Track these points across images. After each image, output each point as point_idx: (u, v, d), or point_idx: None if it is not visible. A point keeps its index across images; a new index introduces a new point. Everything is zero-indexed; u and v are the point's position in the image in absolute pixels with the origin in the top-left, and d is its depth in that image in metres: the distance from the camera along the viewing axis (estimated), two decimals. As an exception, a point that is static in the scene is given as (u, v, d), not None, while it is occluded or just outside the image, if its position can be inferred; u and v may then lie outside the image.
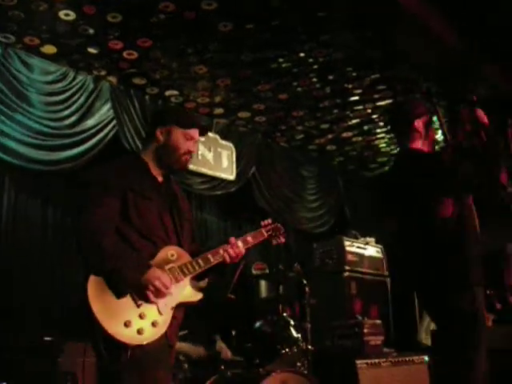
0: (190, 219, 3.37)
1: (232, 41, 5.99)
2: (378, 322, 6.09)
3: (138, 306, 2.79)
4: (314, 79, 6.93)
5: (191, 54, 6.21)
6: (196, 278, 3.12)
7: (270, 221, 3.51)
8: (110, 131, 6.52)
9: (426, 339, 7.58)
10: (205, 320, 4.91)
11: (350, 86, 7.14)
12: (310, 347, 5.06)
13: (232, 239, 3.23)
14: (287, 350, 4.79)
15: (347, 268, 7.11)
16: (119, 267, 2.76)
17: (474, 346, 3.81)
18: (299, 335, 5.00)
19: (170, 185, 3.28)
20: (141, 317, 2.77)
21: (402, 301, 8.17)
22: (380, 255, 7.77)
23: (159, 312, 2.85)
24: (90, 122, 6.37)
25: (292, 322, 5.00)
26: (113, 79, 6.64)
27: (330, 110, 7.75)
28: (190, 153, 3.20)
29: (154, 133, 3.17)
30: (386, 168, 9.91)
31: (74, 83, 6.31)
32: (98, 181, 3.02)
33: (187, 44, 6.04)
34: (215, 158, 7.60)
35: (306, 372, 4.54)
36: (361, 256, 7.45)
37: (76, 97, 6.30)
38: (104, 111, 6.53)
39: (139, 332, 2.73)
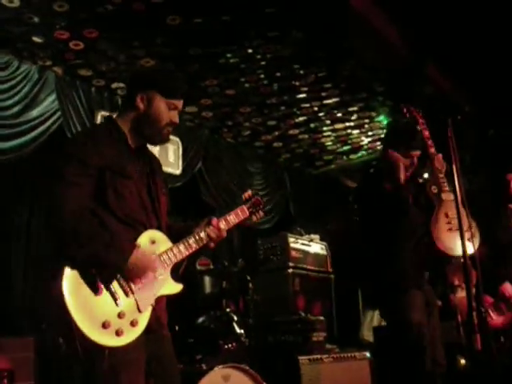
0: (166, 192, 3.14)
1: (180, 34, 5.93)
2: (321, 318, 6.17)
3: (117, 305, 2.64)
4: (262, 76, 6.93)
5: (138, 46, 6.13)
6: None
7: (250, 193, 3.32)
8: (54, 122, 6.37)
9: (368, 336, 7.68)
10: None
11: (298, 84, 7.16)
12: (252, 343, 5.06)
13: (214, 220, 3.04)
14: (230, 345, 4.78)
15: (291, 264, 7.14)
16: (98, 251, 2.56)
17: (409, 350, 4.01)
18: (242, 331, 5.00)
19: (146, 156, 3.06)
20: (120, 316, 2.63)
21: (345, 298, 8.27)
22: (324, 252, 7.84)
23: (138, 310, 2.70)
24: (34, 113, 6.22)
25: (235, 318, 4.99)
26: (58, 70, 6.49)
27: (277, 107, 7.77)
28: (172, 124, 2.97)
29: (134, 98, 2.90)
30: (332, 166, 10.01)
31: (17, 72, 6.14)
32: (72, 157, 2.72)
33: (135, 36, 5.96)
34: (161, 153, 7.49)
35: (248, 368, 4.54)
36: (305, 253, 7.49)
37: (20, 86, 6.12)
38: (48, 102, 6.38)
39: (118, 333, 2.60)
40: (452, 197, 4.11)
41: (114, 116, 3.03)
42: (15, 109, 6.06)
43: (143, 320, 2.71)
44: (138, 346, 2.70)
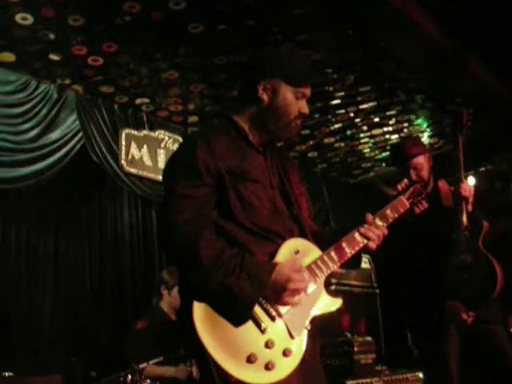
0: (305, 193, 2.68)
1: (203, 43, 5.59)
2: (369, 339, 5.83)
3: (263, 332, 2.18)
4: (293, 82, 6.54)
5: (160, 58, 5.81)
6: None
7: (406, 182, 2.78)
8: (76, 144, 6.06)
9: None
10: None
11: (331, 89, 6.77)
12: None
13: (369, 217, 2.53)
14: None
15: (334, 281, 6.74)
16: (229, 280, 2.14)
17: None
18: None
19: (275, 154, 2.59)
20: (268, 346, 2.17)
21: (391, 312, 7.84)
22: (368, 266, 7.45)
23: (290, 335, 2.24)
24: (54, 135, 5.91)
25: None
26: (78, 88, 6.20)
27: (311, 115, 7.36)
28: (302, 116, 2.51)
29: (255, 89, 2.46)
30: (371, 174, 9.60)
31: (36, 93, 5.85)
32: (183, 166, 2.34)
33: (156, 48, 5.65)
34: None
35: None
36: (347, 267, 7.10)
37: (38, 108, 5.83)
38: (69, 123, 6.07)
39: (268, 367, 2.15)
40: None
41: (230, 111, 2.58)
42: (33, 132, 5.76)
43: (298, 348, 2.25)
44: (294, 381, 2.24)
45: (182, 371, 4.79)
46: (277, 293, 2.22)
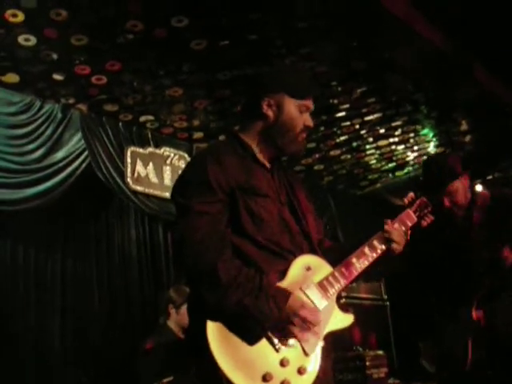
0: (313, 211, 2.65)
1: (207, 59, 5.56)
2: (381, 352, 5.76)
3: (278, 350, 2.18)
4: (298, 96, 6.51)
5: (164, 75, 5.78)
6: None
7: (412, 194, 2.74)
8: (81, 163, 6.03)
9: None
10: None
11: (336, 102, 6.74)
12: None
13: (388, 222, 2.54)
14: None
15: (343, 294, 6.67)
16: (249, 302, 2.12)
17: None
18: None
19: (282, 172, 2.59)
20: (283, 364, 2.17)
21: (402, 325, 7.77)
22: (377, 278, 7.38)
23: (305, 353, 2.23)
24: (59, 155, 5.89)
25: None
26: (83, 107, 6.16)
27: (317, 128, 7.33)
28: (307, 129, 2.51)
29: (259, 105, 2.47)
30: (378, 185, 9.56)
31: (40, 113, 5.83)
32: (195, 183, 2.32)
33: (159, 65, 5.63)
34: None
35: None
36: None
37: (43, 128, 5.81)
38: (74, 142, 6.05)
39: None
40: None
41: (236, 129, 2.62)
42: (38, 152, 5.74)
43: (312, 365, 2.24)
44: None
45: None
46: (290, 312, 2.20)
